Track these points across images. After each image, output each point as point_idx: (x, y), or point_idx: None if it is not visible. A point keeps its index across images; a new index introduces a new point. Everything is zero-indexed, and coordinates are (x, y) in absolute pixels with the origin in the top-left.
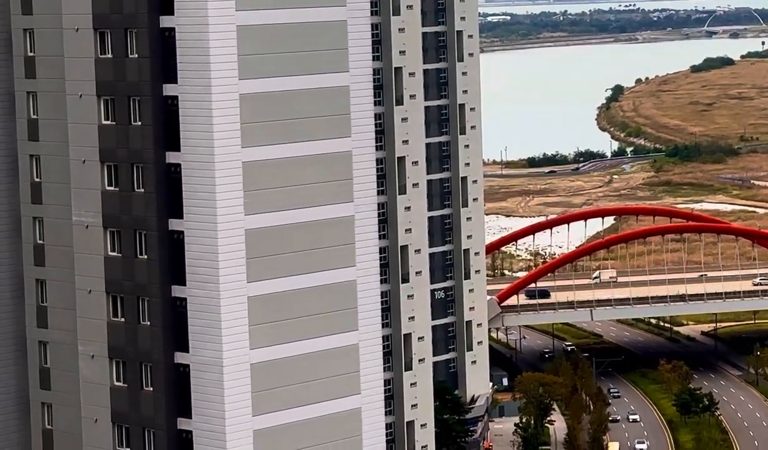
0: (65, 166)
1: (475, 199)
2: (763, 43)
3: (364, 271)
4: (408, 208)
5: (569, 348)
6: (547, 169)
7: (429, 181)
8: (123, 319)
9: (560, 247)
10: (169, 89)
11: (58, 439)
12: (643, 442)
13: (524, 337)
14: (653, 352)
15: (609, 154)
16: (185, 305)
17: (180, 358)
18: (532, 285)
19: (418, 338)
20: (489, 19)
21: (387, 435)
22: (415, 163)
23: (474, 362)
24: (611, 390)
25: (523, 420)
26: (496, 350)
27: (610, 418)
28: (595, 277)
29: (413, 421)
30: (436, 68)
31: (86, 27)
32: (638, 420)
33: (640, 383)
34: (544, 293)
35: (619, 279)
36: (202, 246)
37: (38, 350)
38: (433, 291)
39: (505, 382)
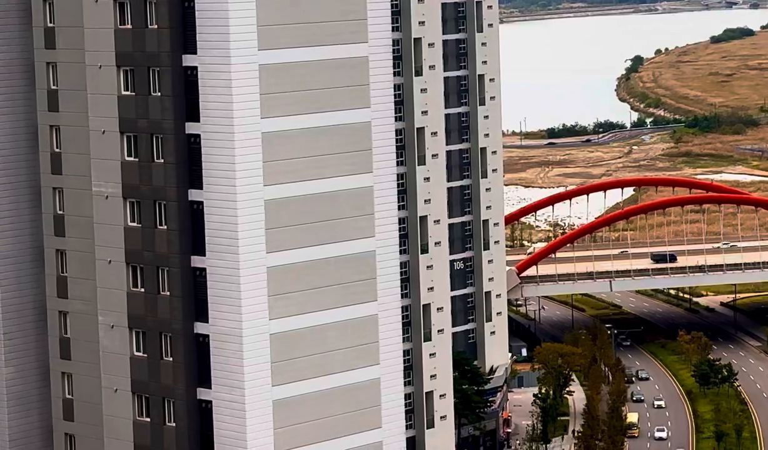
0: (85, 137)
1: (494, 170)
2: None
3: (384, 242)
4: (427, 179)
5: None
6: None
7: (448, 152)
8: (143, 290)
9: (579, 218)
10: (188, 60)
11: (78, 409)
12: (663, 430)
13: (543, 308)
14: (672, 322)
15: (628, 125)
16: (205, 275)
17: (200, 328)
18: (658, 249)
19: (437, 309)
20: None
21: (406, 405)
22: (435, 134)
23: (493, 333)
24: (640, 372)
25: (542, 390)
26: (515, 321)
27: (633, 399)
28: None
29: (432, 391)
30: (456, 39)
31: None
32: (663, 406)
33: (659, 354)
34: (673, 257)
35: (639, 250)
36: (222, 216)
37: (58, 320)
38: (452, 262)
39: (524, 352)
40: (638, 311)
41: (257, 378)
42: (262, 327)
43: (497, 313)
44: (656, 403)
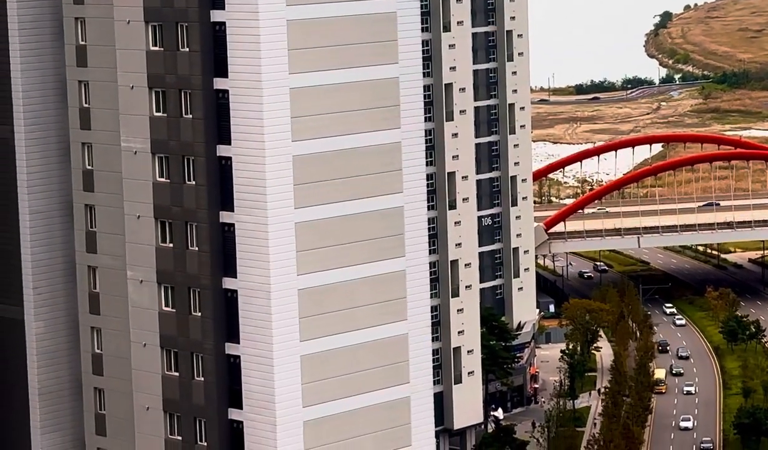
0: (113, 92)
1: (522, 126)
2: None
3: (412, 198)
4: (455, 135)
5: (601, 267)
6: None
7: (476, 107)
8: (171, 245)
9: (607, 174)
10: (216, 15)
11: (107, 363)
12: (692, 385)
13: (571, 264)
14: (700, 279)
15: (657, 81)
16: (233, 231)
17: (228, 283)
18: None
19: (465, 265)
20: None
21: (434, 361)
22: (463, 89)
23: (521, 289)
24: (676, 317)
25: (570, 346)
26: (543, 277)
27: (659, 348)
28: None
29: (460, 347)
30: None
31: None
32: (688, 355)
33: (687, 310)
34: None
35: (667, 206)
36: (250, 172)
37: (87, 275)
38: (480, 218)
39: (551, 308)
40: (666, 267)
41: (285, 333)
42: (290, 282)
43: (525, 269)
44: (681, 353)
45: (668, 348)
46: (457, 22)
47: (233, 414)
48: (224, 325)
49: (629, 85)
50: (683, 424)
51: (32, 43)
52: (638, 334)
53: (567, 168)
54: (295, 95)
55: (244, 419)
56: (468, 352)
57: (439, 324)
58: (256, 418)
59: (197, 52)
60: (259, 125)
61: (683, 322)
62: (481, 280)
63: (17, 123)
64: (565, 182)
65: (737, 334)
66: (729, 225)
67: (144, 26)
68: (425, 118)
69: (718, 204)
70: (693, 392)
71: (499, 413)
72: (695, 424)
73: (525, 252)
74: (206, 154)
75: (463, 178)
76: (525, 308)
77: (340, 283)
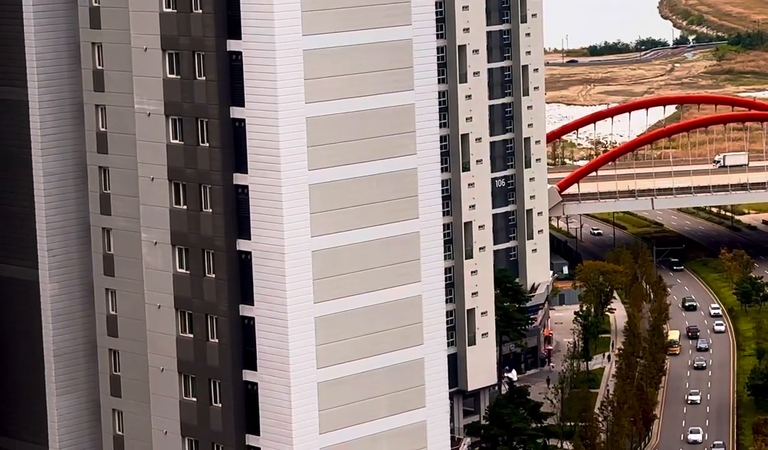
0: (127, 54)
1: (536, 88)
2: None
3: (425, 159)
4: (469, 97)
5: (596, 232)
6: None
7: (490, 69)
8: (185, 207)
9: (621, 136)
10: None
11: (122, 325)
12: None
13: (584, 226)
14: (714, 240)
15: (671, 43)
16: (247, 193)
17: (242, 245)
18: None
19: (479, 227)
20: None
21: (447, 322)
22: (476, 51)
23: (534, 251)
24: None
25: (584, 308)
26: (557, 238)
27: (689, 334)
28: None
29: (474, 308)
30: None
31: None
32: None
33: (700, 272)
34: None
35: (681, 168)
36: (264, 134)
37: (102, 237)
38: (493, 179)
39: (565, 270)
40: (680, 229)
41: (299, 295)
42: (304, 244)
43: (538, 231)
44: (687, 302)
45: (698, 334)
46: None
47: (248, 375)
48: (238, 287)
49: (643, 47)
50: (693, 397)
51: (45, 4)
52: (652, 295)
53: (580, 130)
54: (309, 57)
55: (259, 381)
56: (482, 313)
57: (453, 286)
58: (270, 379)
59: (210, 13)
60: (273, 87)
61: (722, 327)
62: (495, 242)
63: (31, 85)
64: (579, 144)
65: (751, 296)
66: (743, 186)
67: None
68: (439, 79)
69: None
70: (704, 366)
71: (513, 375)
72: (709, 385)
73: (539, 214)
74: (220, 116)
75: (476, 140)
76: (539, 270)
77: (354, 245)
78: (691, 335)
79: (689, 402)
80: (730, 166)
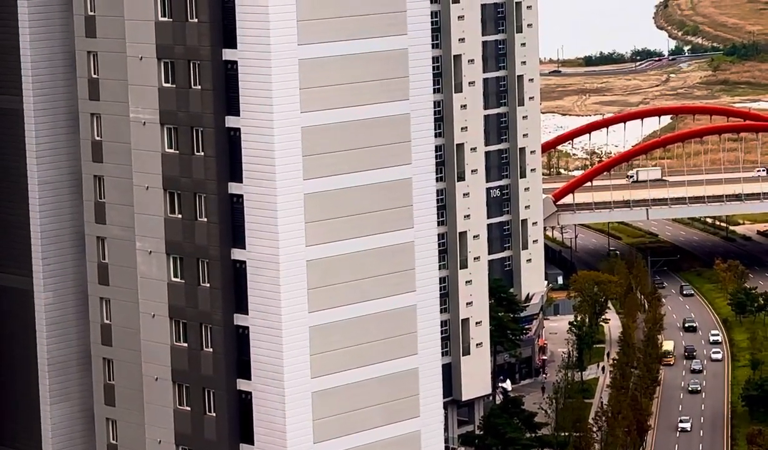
0: (122, 63)
1: (531, 98)
2: None
3: (420, 169)
4: (464, 106)
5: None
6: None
7: (485, 79)
8: (180, 216)
9: (616, 146)
10: None
11: (116, 334)
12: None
13: (579, 236)
14: (709, 251)
15: (666, 53)
16: (242, 202)
17: (236, 254)
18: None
19: (474, 236)
20: None
21: (442, 332)
22: (472, 61)
23: (529, 261)
24: (683, 287)
25: (578, 318)
26: (551, 249)
27: (686, 354)
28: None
29: (468, 318)
30: None
31: None
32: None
33: (695, 282)
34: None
35: (676, 178)
36: (259, 143)
37: (96, 246)
38: (488, 189)
39: (560, 280)
40: (675, 239)
41: (294, 304)
42: (298, 253)
43: (533, 241)
44: (685, 290)
45: (695, 353)
46: None
47: (242, 385)
48: (233, 296)
49: (638, 57)
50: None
51: (41, 13)
52: (646, 305)
53: (576, 140)
54: (304, 66)
55: (253, 390)
56: (476, 323)
57: (448, 295)
58: (264, 388)
59: (206, 22)
60: (268, 96)
61: (719, 355)
62: (490, 252)
63: (26, 94)
64: (574, 154)
65: (746, 306)
66: (738, 197)
67: None
68: (434, 89)
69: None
70: (698, 389)
71: (507, 385)
72: (704, 396)
73: (533, 224)
74: (215, 125)
75: (471, 149)
76: (533, 280)
77: (349, 254)
78: (687, 355)
79: (680, 429)
80: (643, 181)
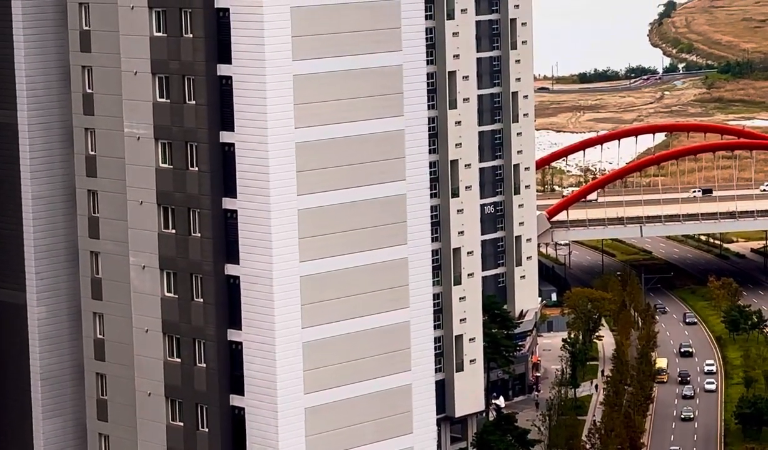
0: (117, 78)
1: (525, 115)
2: None
3: (414, 185)
4: (458, 123)
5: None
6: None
7: (480, 96)
8: (174, 231)
9: (610, 163)
10: (221, 1)
11: (109, 349)
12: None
13: (573, 253)
14: (703, 268)
15: (661, 71)
16: (236, 217)
17: (230, 269)
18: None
19: (468, 253)
20: None
21: (435, 349)
22: (466, 77)
23: (523, 277)
24: (657, 306)
25: (572, 335)
26: (545, 265)
27: (679, 380)
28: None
29: (462, 335)
30: None
31: None
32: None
33: (689, 300)
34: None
35: (670, 195)
36: (253, 158)
37: (90, 261)
38: (482, 206)
39: (553, 297)
40: (668, 257)
41: (287, 320)
42: (292, 269)
43: (527, 258)
44: (688, 318)
45: (688, 378)
46: (461, 10)
47: (235, 400)
48: (226, 312)
49: (633, 75)
50: (685, 413)
51: (36, 27)
52: (640, 323)
53: (570, 157)
54: (299, 82)
55: (246, 406)
56: (470, 340)
57: (441, 312)
58: (257, 404)
59: (201, 37)
60: (263, 112)
61: (713, 386)
62: (484, 268)
63: (20, 108)
64: (568, 171)
65: (739, 324)
66: (731, 215)
67: (148, 12)
68: (428, 105)
69: (711, 191)
70: (691, 417)
71: (501, 401)
72: (696, 413)
73: (527, 240)
74: (209, 140)
75: (465, 166)
76: (527, 297)
77: (343, 270)
78: (681, 380)
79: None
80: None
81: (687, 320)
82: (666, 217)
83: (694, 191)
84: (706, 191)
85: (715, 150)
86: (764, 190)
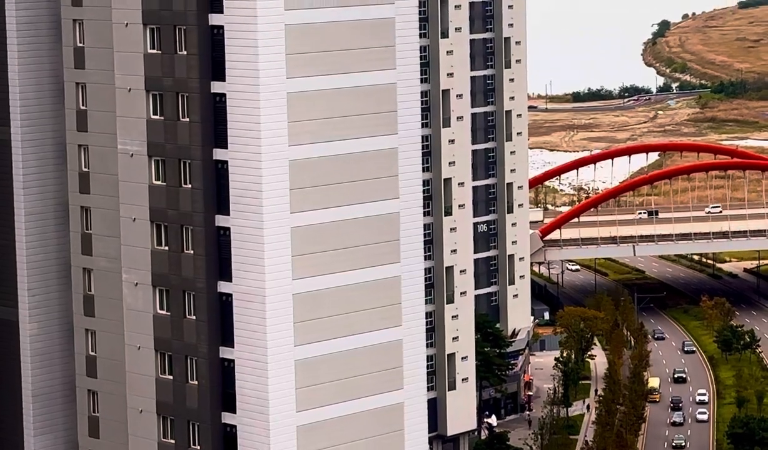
0: (111, 95)
1: (519, 133)
2: None
3: (408, 203)
4: (452, 141)
5: (574, 267)
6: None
7: (473, 114)
8: (167, 248)
9: (604, 183)
10: (215, 19)
11: (101, 365)
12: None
13: (566, 272)
14: (695, 288)
15: (654, 90)
16: (229, 235)
17: (223, 287)
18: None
19: (461, 271)
20: None
21: (428, 367)
22: (460, 96)
23: (516, 296)
24: (656, 332)
25: (564, 354)
26: (538, 284)
27: (671, 406)
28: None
29: (454, 353)
30: (482, 1)
31: None
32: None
33: (681, 319)
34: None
35: (662, 215)
36: (246, 176)
37: (82, 277)
38: (475, 224)
39: (546, 316)
40: (661, 276)
41: (280, 337)
42: (285, 287)
43: (520, 277)
44: (687, 347)
45: (681, 404)
46: (455, 29)
47: (227, 418)
48: (219, 329)
49: (626, 94)
50: (676, 441)
51: (30, 44)
52: (633, 342)
53: (563, 176)
54: (292, 99)
55: (238, 423)
56: (462, 358)
57: (434, 330)
58: (249, 422)
59: (195, 55)
60: (256, 129)
61: (705, 415)
62: (476, 287)
63: (14, 124)
64: (561, 190)
65: (732, 344)
66: (724, 234)
67: (142, 29)
68: (422, 124)
69: (657, 213)
70: (683, 445)
71: (493, 420)
72: (689, 433)
73: (520, 259)
74: (203, 157)
75: (459, 184)
76: (520, 315)
77: (335, 288)
78: (673, 407)
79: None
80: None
81: (686, 349)
82: (659, 237)
83: (640, 213)
84: (651, 213)
85: (708, 170)
86: (709, 213)
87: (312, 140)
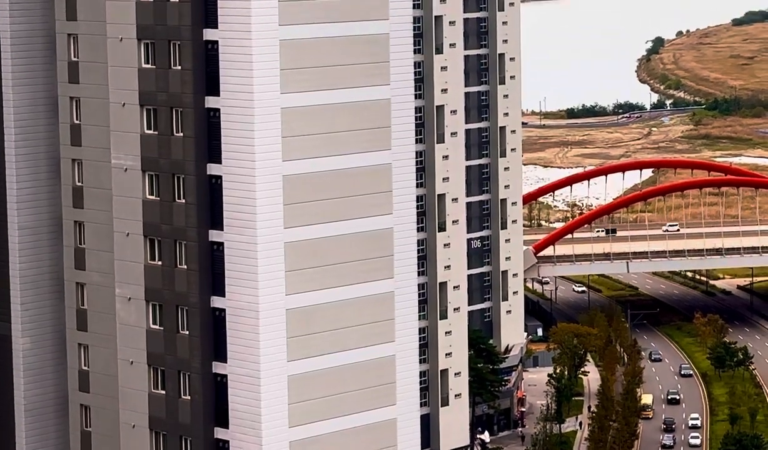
0: (105, 109)
1: (513, 149)
2: None
3: (401, 219)
4: (446, 157)
5: (580, 289)
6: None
7: (467, 130)
8: (160, 263)
9: (597, 199)
10: (209, 34)
11: (94, 380)
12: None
13: (561, 288)
14: (689, 305)
15: (648, 107)
16: (222, 250)
17: (216, 302)
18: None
19: (454, 287)
20: None
21: (421, 383)
22: (454, 112)
23: (509, 312)
24: (652, 353)
25: (557, 370)
26: (531, 300)
27: (664, 427)
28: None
29: (447, 369)
30: (477, 17)
31: None
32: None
33: (674, 336)
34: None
35: (657, 231)
36: (240, 191)
37: (75, 292)
38: (469, 240)
39: (539, 332)
40: (654, 293)
41: (273, 353)
42: (278, 302)
43: (513, 293)
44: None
45: (674, 426)
46: (450, 45)
47: (219, 433)
48: (212, 344)
49: (620, 110)
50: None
51: (24, 58)
52: (626, 359)
53: (557, 192)
54: (286, 115)
55: (230, 438)
56: (455, 374)
57: (427, 346)
58: (242, 437)
59: (189, 70)
60: (250, 144)
61: (698, 440)
62: (470, 303)
63: (8, 138)
64: (555, 206)
65: (725, 361)
66: (718, 251)
67: (136, 43)
68: (416, 139)
69: (615, 231)
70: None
71: (486, 436)
72: None
73: (514, 275)
74: (196, 172)
75: (453, 200)
76: (513, 331)
77: (329, 304)
78: (666, 428)
79: None
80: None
81: (682, 372)
82: (653, 253)
83: (598, 231)
84: (609, 231)
85: (702, 187)
86: (666, 231)
87: (306, 156)
